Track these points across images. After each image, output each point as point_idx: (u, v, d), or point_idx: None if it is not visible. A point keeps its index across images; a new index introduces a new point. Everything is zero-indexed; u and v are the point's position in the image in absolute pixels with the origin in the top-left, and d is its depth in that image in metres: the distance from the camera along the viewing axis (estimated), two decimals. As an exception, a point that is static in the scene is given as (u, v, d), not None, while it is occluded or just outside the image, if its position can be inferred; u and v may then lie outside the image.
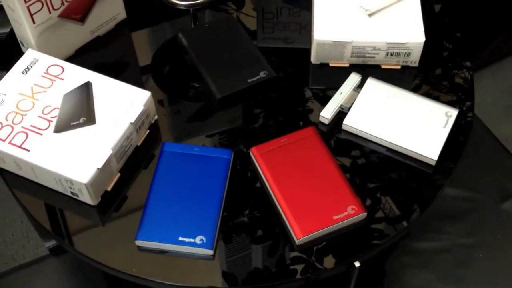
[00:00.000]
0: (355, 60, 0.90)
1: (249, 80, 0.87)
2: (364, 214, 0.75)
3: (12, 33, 0.91)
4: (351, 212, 0.74)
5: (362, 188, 0.79)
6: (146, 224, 0.73)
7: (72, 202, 0.77)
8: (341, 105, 0.85)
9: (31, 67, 0.83)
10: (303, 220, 0.73)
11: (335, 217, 0.74)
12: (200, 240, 0.72)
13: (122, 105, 0.79)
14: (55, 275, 1.05)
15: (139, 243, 0.73)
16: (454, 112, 0.83)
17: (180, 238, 0.72)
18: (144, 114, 0.81)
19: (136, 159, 0.82)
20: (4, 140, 0.76)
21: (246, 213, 0.77)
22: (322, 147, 0.80)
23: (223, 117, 0.87)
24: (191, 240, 0.72)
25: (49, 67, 0.83)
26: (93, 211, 0.78)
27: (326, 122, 0.84)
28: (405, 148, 0.81)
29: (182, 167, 0.78)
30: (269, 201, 0.78)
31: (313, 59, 0.91)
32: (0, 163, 0.79)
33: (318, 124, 0.85)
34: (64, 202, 0.78)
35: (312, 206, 0.74)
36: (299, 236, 0.72)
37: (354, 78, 0.87)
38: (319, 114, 0.85)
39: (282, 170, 0.78)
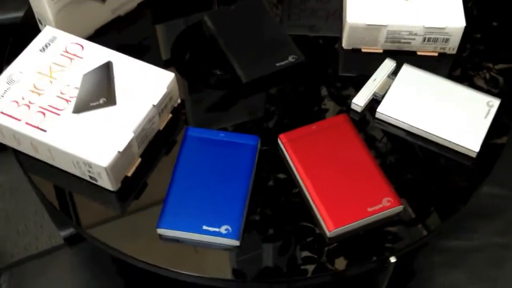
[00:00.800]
0: (389, 46, 0.85)
1: (277, 64, 0.83)
2: (401, 207, 0.70)
3: (25, 19, 0.87)
4: (386, 204, 0.69)
5: (396, 181, 0.74)
6: (168, 211, 0.69)
7: (91, 187, 0.73)
8: (375, 92, 0.80)
9: (49, 44, 0.79)
10: (335, 212, 0.69)
11: (369, 209, 0.69)
12: (226, 229, 0.67)
13: (145, 86, 0.75)
14: (68, 265, 1.01)
15: (160, 231, 0.69)
16: (496, 102, 0.78)
17: (205, 227, 0.68)
18: (167, 97, 0.76)
19: (158, 143, 0.78)
20: (20, 120, 0.72)
21: (274, 203, 0.72)
22: (354, 135, 0.75)
23: (250, 102, 0.83)
24: (216, 229, 0.67)
25: (68, 45, 0.79)
26: (112, 197, 0.73)
27: (359, 109, 0.80)
28: (443, 139, 0.76)
29: (206, 153, 0.74)
30: (297, 191, 0.73)
31: (345, 44, 0.87)
32: (15, 145, 0.75)
33: (350, 112, 0.80)
34: (82, 187, 0.74)
35: (345, 197, 0.70)
36: (331, 228, 0.68)
37: (388, 64, 0.83)
38: (351, 101, 0.80)
39: (313, 159, 0.73)
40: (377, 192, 0.70)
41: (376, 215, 0.69)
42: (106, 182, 0.71)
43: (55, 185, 0.75)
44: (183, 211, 0.69)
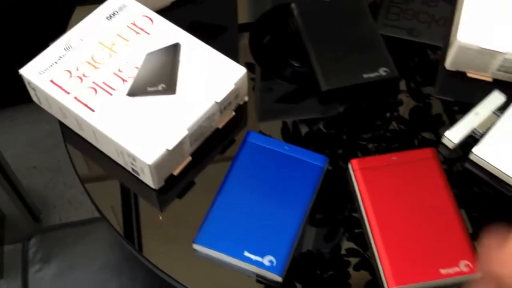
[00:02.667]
0: (502, 76, 0.72)
1: (364, 76, 0.72)
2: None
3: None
4: (464, 269, 0.58)
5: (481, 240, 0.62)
6: (209, 227, 0.61)
7: (131, 178, 0.66)
8: (474, 128, 0.68)
9: (117, 13, 0.71)
10: (400, 266, 0.58)
11: (442, 271, 0.58)
12: (270, 261, 0.58)
13: (211, 78, 0.66)
14: (102, 241, 0.95)
15: (196, 247, 0.61)
16: None
17: (246, 254, 0.59)
18: (233, 94, 0.67)
19: (213, 143, 0.69)
20: (69, 94, 0.65)
21: (329, 239, 0.63)
22: (440, 176, 0.64)
23: (324, 113, 0.72)
24: (259, 259, 0.59)
25: (137, 17, 0.71)
26: (153, 194, 0.66)
27: (451, 146, 0.68)
28: (546, 200, 0.63)
29: (265, 166, 0.64)
30: (360, 229, 0.63)
31: (449, 63, 0.74)
32: (61, 117, 0.68)
33: (439, 146, 0.69)
34: (122, 176, 0.67)
35: (415, 250, 0.59)
36: (391, 285, 0.57)
37: (496, 98, 0.70)
38: (442, 133, 0.68)
39: (385, 195, 0.63)
40: (454, 252, 0.59)
41: (449, 279, 0.58)
42: (148, 179, 0.64)
43: (94, 167, 0.68)
44: (225, 229, 0.60)
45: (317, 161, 0.65)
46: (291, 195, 0.63)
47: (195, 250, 0.61)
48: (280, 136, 0.70)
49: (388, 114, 0.72)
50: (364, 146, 0.69)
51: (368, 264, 0.61)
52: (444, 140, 0.68)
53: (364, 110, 0.72)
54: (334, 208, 0.65)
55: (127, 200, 0.66)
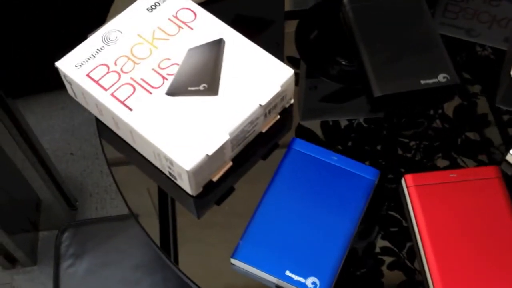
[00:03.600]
0: None
1: (422, 82, 0.66)
2: (546, 313, 0.53)
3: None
4: (527, 305, 0.52)
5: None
6: (249, 241, 0.56)
7: (168, 182, 0.62)
8: (542, 145, 0.62)
9: (159, 5, 0.67)
10: (457, 298, 0.53)
11: (503, 306, 0.52)
12: (313, 283, 0.54)
13: (255, 79, 0.62)
14: (134, 239, 0.92)
15: (235, 262, 0.57)
16: None
17: (288, 273, 0.54)
18: (279, 97, 0.63)
19: (256, 147, 0.65)
20: (106, 90, 0.61)
21: (377, 262, 0.58)
22: (504, 198, 0.58)
23: (375, 121, 0.67)
24: (301, 279, 0.54)
25: (179, 10, 0.67)
26: (190, 201, 0.62)
27: (516, 163, 0.62)
28: None
29: (311, 176, 0.60)
30: (413, 251, 0.58)
31: (515, 72, 0.68)
32: (98, 114, 0.65)
33: (502, 165, 0.63)
34: (159, 180, 0.63)
35: (473, 282, 0.54)
36: (446, 319, 0.52)
37: None
38: (507, 151, 0.62)
39: (442, 217, 0.57)
40: (518, 284, 0.53)
41: (510, 315, 0.52)
42: (185, 185, 0.60)
43: (129, 168, 0.65)
44: (267, 244, 0.56)
45: (368, 174, 0.60)
46: (339, 210, 0.58)
47: (232, 264, 0.57)
48: (319, 130, 0.65)
49: (431, 111, 0.67)
50: (405, 144, 0.64)
51: (403, 264, 0.56)
52: (509, 158, 0.62)
53: (419, 119, 0.67)
54: (384, 227, 0.60)
55: (165, 207, 0.62)
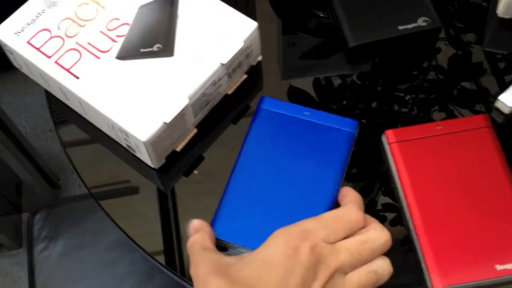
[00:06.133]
0: None
1: (400, 28, 0.60)
2: (546, 272, 0.48)
3: None
4: (525, 265, 0.48)
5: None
6: (225, 216, 0.50)
7: (128, 155, 0.57)
8: (535, 88, 0.56)
9: (106, -40, 0.60)
10: (448, 262, 0.48)
11: (498, 268, 0.48)
12: None
13: (215, 36, 0.56)
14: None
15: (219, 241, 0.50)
16: None
17: None
18: (243, 54, 0.56)
19: (223, 112, 0.59)
20: (50, 57, 0.55)
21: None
22: (494, 148, 0.53)
23: (354, 68, 0.61)
24: None
25: (128, -37, 0.60)
26: (153, 174, 0.57)
27: (507, 110, 0.56)
28: None
29: (285, 135, 0.53)
30: (396, 215, 0.53)
31: (501, 10, 0.62)
32: (44, 84, 0.59)
33: (492, 112, 0.57)
34: (118, 153, 0.57)
35: (465, 243, 0.49)
36: (437, 286, 0.47)
37: None
38: (495, 97, 0.57)
39: (428, 174, 0.52)
40: (513, 243, 0.48)
41: (506, 277, 0.47)
42: (145, 157, 0.54)
43: (83, 141, 0.59)
44: (246, 216, 0.49)
45: (346, 127, 0.53)
46: (319, 168, 0.51)
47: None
48: (312, 90, 0.60)
49: (425, 64, 0.61)
50: (401, 98, 0.58)
51: (405, 255, 0.51)
52: (499, 105, 0.56)
53: (399, 60, 0.61)
54: (365, 187, 0.54)
55: (126, 183, 0.57)
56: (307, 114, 0.55)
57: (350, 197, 0.45)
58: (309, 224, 0.42)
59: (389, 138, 0.54)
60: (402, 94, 0.59)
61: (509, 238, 0.48)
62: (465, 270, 0.48)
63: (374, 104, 0.59)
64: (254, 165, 0.52)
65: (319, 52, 0.64)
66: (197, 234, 0.45)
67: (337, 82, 0.61)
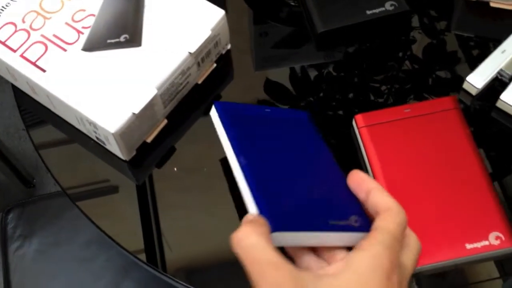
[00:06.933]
0: (534, 4, 0.61)
1: (368, 12, 0.60)
2: (515, 249, 0.49)
3: None
4: (494, 243, 0.48)
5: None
6: (270, 208, 0.40)
7: (98, 148, 0.56)
8: (501, 69, 0.57)
9: (70, -49, 0.60)
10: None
11: (468, 246, 0.48)
12: (356, 221, 0.43)
13: (183, 25, 0.55)
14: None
15: (277, 235, 0.39)
16: None
17: (332, 222, 0.42)
18: (211, 42, 0.56)
19: (194, 101, 0.58)
20: (15, 51, 0.54)
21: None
22: (462, 130, 0.53)
23: (328, 56, 0.61)
24: (345, 222, 0.43)
25: (93, -46, 0.59)
26: (124, 166, 0.56)
27: (474, 92, 0.57)
28: None
29: (265, 134, 0.49)
30: (370, 198, 0.53)
31: (468, -7, 0.62)
32: (11, 79, 0.58)
33: (460, 94, 0.58)
34: (88, 146, 0.57)
35: (435, 223, 0.49)
36: (408, 266, 0.48)
37: (528, 32, 0.59)
38: (464, 79, 0.57)
39: (398, 156, 0.52)
40: (483, 222, 0.49)
41: (477, 255, 0.48)
42: (115, 149, 0.54)
43: (52, 135, 0.59)
44: (289, 204, 0.42)
45: (305, 116, 0.51)
46: (312, 153, 0.49)
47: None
48: (288, 83, 0.60)
49: (400, 54, 0.61)
50: (377, 89, 0.59)
51: None
52: (466, 86, 0.57)
53: (374, 51, 0.61)
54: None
55: (99, 177, 0.57)
56: (268, 111, 0.51)
57: (371, 184, 0.39)
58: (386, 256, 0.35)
59: (359, 123, 0.54)
60: (378, 85, 0.59)
61: (478, 217, 0.49)
62: (436, 250, 0.48)
63: (350, 95, 0.59)
64: (260, 164, 0.46)
65: (292, 41, 0.63)
66: (256, 233, 0.34)
67: (313, 74, 0.61)
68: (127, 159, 0.55)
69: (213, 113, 0.44)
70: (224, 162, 0.53)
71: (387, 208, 0.37)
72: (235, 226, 0.34)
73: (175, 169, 0.56)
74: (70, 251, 0.83)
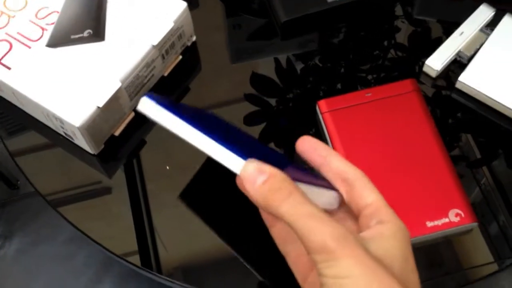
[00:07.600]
0: (490, -13, 0.62)
1: (329, 0, 0.61)
2: (474, 224, 0.50)
3: None
4: (454, 220, 0.50)
5: (472, 186, 0.53)
6: None
7: (67, 143, 0.57)
8: (459, 51, 0.58)
9: (32, -50, 0.60)
10: (380, 222, 0.50)
11: (429, 224, 0.49)
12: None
13: (145, 17, 0.56)
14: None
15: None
16: None
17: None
18: (174, 34, 0.57)
19: (160, 94, 0.59)
20: (-21, 50, 0.55)
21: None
22: (422, 111, 0.55)
23: (285, 49, 0.62)
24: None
25: (55, -48, 0.60)
26: (93, 160, 0.57)
27: (434, 74, 0.58)
28: (548, 129, 0.54)
29: (210, 122, 0.48)
30: (334, 181, 0.54)
31: (427, -22, 0.64)
32: (-21, 79, 0.59)
33: (420, 76, 0.59)
34: (57, 142, 0.57)
35: (397, 202, 0.50)
36: (371, 245, 0.49)
37: (484, 13, 0.60)
38: (423, 62, 0.58)
39: (361, 139, 0.53)
40: (443, 200, 0.50)
41: (437, 233, 0.49)
42: (82, 143, 0.54)
43: (22, 133, 0.59)
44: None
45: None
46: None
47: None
48: (274, 75, 0.60)
49: (385, 43, 0.62)
50: (363, 78, 0.59)
51: None
52: (426, 69, 0.58)
53: (359, 40, 0.62)
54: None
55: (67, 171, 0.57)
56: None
57: (355, 174, 0.38)
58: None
59: (322, 108, 0.55)
60: (364, 74, 0.60)
61: (437, 196, 0.50)
62: (398, 228, 0.49)
63: (338, 86, 0.60)
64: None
65: (265, 33, 0.64)
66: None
67: (299, 66, 0.61)
68: (96, 153, 0.56)
69: (146, 104, 0.36)
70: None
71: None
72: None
73: (167, 167, 0.56)
74: (51, 249, 0.84)
